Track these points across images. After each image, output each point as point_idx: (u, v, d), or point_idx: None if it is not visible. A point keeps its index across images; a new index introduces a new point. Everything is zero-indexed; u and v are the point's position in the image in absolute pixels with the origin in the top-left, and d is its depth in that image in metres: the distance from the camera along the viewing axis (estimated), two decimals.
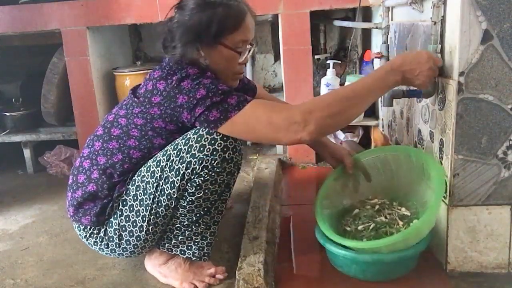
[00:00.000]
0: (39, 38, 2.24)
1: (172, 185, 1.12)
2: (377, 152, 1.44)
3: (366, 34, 2.33)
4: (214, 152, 1.09)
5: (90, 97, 2.16)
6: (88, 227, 1.21)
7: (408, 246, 1.14)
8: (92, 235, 1.22)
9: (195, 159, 1.09)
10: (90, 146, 1.24)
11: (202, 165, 1.09)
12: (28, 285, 1.30)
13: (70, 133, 2.29)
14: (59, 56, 2.18)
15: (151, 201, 1.14)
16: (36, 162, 2.35)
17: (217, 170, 1.10)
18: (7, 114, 2.36)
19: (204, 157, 1.09)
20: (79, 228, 1.24)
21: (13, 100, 2.40)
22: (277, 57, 2.61)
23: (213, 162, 1.09)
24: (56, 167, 2.27)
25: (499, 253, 1.18)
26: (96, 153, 1.21)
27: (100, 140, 1.21)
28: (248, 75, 2.45)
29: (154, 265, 1.28)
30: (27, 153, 2.33)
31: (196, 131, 1.11)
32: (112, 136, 1.19)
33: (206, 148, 1.09)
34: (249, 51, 1.21)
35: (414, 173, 1.32)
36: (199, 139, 1.09)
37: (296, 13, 1.99)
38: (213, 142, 1.09)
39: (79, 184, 1.22)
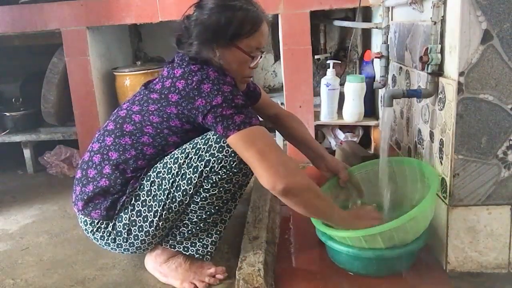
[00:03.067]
0: (39, 38, 2.24)
1: (189, 181, 1.14)
2: (371, 166, 1.45)
3: (366, 34, 2.33)
4: (233, 154, 1.12)
5: (90, 97, 2.16)
6: (96, 221, 1.21)
7: (417, 230, 1.15)
8: (99, 229, 1.22)
9: (214, 158, 1.12)
10: (100, 141, 1.23)
11: (220, 164, 1.13)
12: (28, 285, 1.30)
13: (70, 133, 2.28)
14: (59, 56, 2.18)
15: (165, 196, 1.16)
16: (36, 162, 2.35)
17: (235, 170, 1.14)
18: (7, 114, 2.36)
19: (223, 157, 1.12)
20: (85, 223, 1.23)
21: (13, 100, 2.40)
22: (277, 57, 2.61)
23: (231, 163, 1.13)
24: (56, 167, 2.27)
25: (499, 253, 1.18)
26: (107, 148, 1.21)
27: (112, 136, 1.21)
28: None
29: (154, 264, 1.28)
30: (27, 153, 2.33)
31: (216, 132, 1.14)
32: (125, 132, 1.20)
33: (225, 149, 1.12)
34: (260, 57, 1.25)
35: (410, 182, 1.34)
36: (218, 139, 1.13)
37: (296, 13, 1.99)
38: None
39: (89, 179, 1.21)
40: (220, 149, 1.12)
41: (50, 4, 2.07)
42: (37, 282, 1.32)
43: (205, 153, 1.13)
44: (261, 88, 1.54)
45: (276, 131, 1.63)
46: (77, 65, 2.13)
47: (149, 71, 2.19)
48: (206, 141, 1.14)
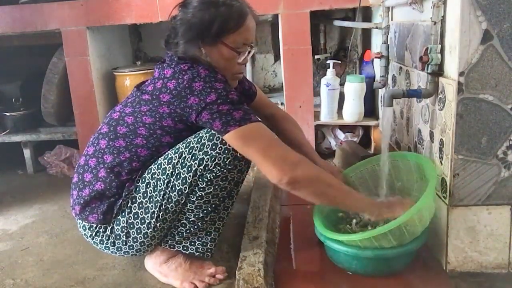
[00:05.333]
0: (39, 38, 2.24)
1: (184, 181, 1.14)
2: (364, 165, 1.45)
3: (366, 34, 2.33)
4: (226, 151, 1.12)
5: (90, 97, 2.17)
6: (94, 225, 1.21)
7: (424, 222, 1.15)
8: (98, 234, 1.22)
9: (207, 156, 1.12)
10: (95, 145, 1.23)
11: (214, 162, 1.12)
12: (28, 285, 1.30)
13: (70, 133, 2.29)
14: (59, 56, 2.18)
15: (161, 197, 1.16)
16: (36, 162, 2.35)
17: (229, 167, 1.14)
18: (7, 114, 2.36)
19: (217, 154, 1.12)
20: (84, 227, 1.24)
21: (13, 100, 2.40)
22: (277, 57, 2.61)
23: (225, 160, 1.13)
24: (56, 167, 2.27)
25: (499, 253, 1.18)
26: (102, 151, 1.21)
27: (106, 138, 1.21)
28: (248, 75, 2.45)
29: (154, 264, 1.28)
30: (27, 153, 2.33)
31: (209, 130, 1.13)
32: (119, 135, 1.20)
33: (218, 147, 1.12)
34: (249, 53, 1.24)
35: (406, 177, 1.33)
36: (211, 137, 1.12)
37: (296, 13, 1.99)
38: (225, 141, 1.11)
39: (86, 183, 1.21)
40: (214, 147, 1.12)
41: (50, 4, 2.08)
42: (37, 282, 1.32)
43: (199, 151, 1.13)
44: (259, 88, 1.53)
45: None
46: (77, 65, 2.13)
47: (149, 71, 2.19)
48: (199, 140, 1.14)
